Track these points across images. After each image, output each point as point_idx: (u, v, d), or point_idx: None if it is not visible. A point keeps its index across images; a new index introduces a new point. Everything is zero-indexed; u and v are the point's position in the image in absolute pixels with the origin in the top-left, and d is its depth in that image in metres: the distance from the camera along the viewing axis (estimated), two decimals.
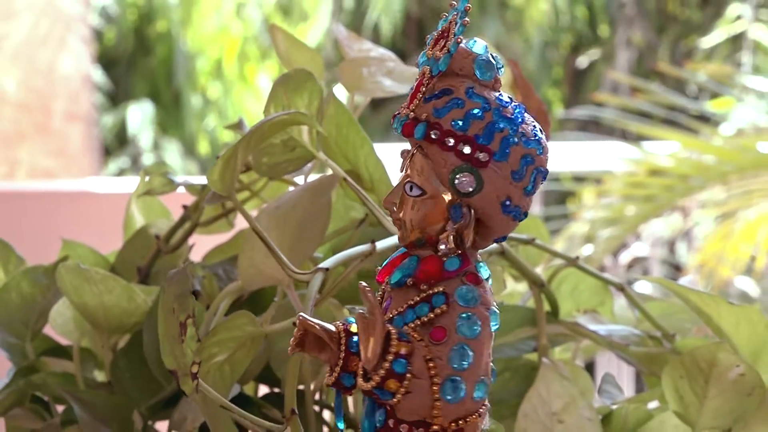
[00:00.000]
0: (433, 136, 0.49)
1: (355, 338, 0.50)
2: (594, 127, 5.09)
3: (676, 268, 3.62)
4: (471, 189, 0.49)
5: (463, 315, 0.49)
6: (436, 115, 0.49)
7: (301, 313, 0.52)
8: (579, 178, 3.68)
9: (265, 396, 0.74)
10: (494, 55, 0.50)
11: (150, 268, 0.78)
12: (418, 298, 0.50)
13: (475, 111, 0.49)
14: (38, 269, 0.77)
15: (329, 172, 0.70)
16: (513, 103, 0.50)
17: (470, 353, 0.49)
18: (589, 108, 4.65)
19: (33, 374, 0.74)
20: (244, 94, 6.44)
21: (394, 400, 0.49)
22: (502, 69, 0.51)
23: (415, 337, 0.49)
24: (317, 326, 0.50)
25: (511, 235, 0.73)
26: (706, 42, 5.78)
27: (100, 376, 0.77)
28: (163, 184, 0.79)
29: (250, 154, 0.68)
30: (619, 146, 3.16)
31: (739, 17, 5.74)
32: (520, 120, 0.50)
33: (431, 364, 0.49)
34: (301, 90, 0.69)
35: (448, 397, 0.49)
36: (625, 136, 4.64)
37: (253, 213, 0.71)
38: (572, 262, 0.75)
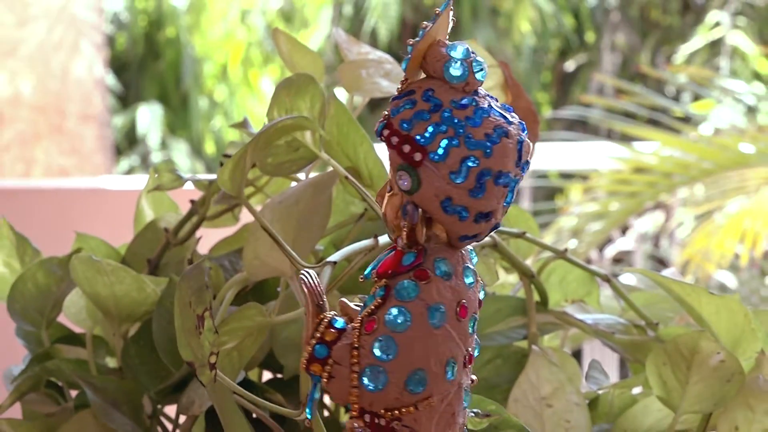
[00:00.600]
0: (384, 135, 0.49)
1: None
2: (581, 127, 5.09)
3: (659, 262, 3.62)
4: (408, 188, 0.48)
5: (394, 308, 0.48)
6: (392, 114, 0.49)
7: (342, 298, 0.52)
8: (567, 176, 3.69)
9: (269, 381, 0.74)
10: (475, 58, 0.49)
11: (159, 260, 0.78)
12: (372, 290, 0.50)
13: (423, 112, 0.48)
14: (53, 261, 0.77)
15: (330, 168, 0.70)
16: (477, 106, 0.48)
17: (395, 346, 0.48)
18: (576, 109, 4.66)
19: (48, 361, 0.74)
20: (248, 97, 6.44)
21: (322, 382, 0.49)
22: (481, 72, 0.49)
23: (356, 326, 0.49)
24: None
25: (503, 229, 0.74)
26: (687, 47, 5.79)
27: (111, 362, 0.77)
28: (172, 180, 0.79)
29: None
30: (604, 145, 3.17)
31: (717, 24, 5.75)
32: (474, 122, 0.48)
33: (354, 352, 0.48)
34: (303, 93, 0.69)
35: (368, 386, 0.48)
36: (610, 135, 4.65)
37: (257, 207, 0.71)
38: (560, 254, 0.74)
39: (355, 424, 0.50)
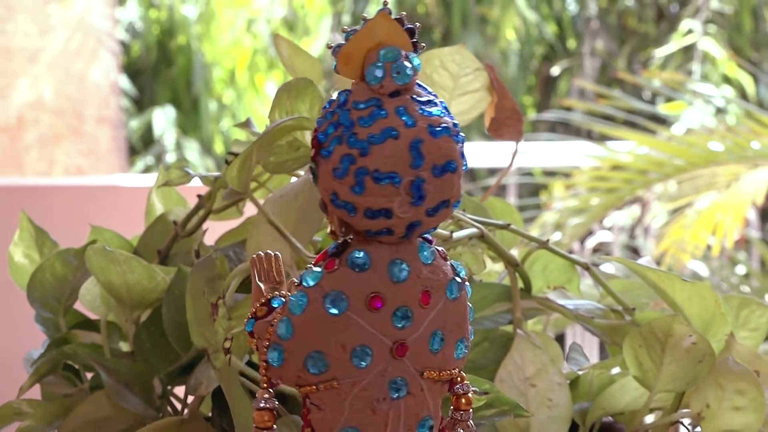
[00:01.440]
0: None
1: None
2: (563, 128, 5.09)
3: (635, 252, 3.62)
4: (313, 182, 0.48)
5: (295, 293, 0.48)
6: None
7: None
8: (550, 173, 3.69)
9: None
10: (400, 62, 0.47)
11: (168, 251, 0.77)
12: None
13: (329, 112, 0.48)
14: (69, 252, 0.76)
15: None
16: (379, 108, 0.47)
17: (291, 327, 0.48)
18: (558, 111, 4.66)
19: (65, 345, 0.74)
20: (255, 100, 6.44)
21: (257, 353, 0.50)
22: (400, 76, 0.47)
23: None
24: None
25: (489, 220, 0.74)
26: (661, 53, 5.79)
27: (124, 346, 0.77)
28: (180, 176, 0.78)
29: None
30: (584, 145, 3.17)
31: (690, 31, 5.74)
32: (365, 123, 0.47)
33: (270, 329, 0.48)
34: (302, 96, 0.69)
35: (272, 361, 0.48)
36: (590, 135, 4.65)
37: (260, 201, 0.71)
38: (543, 244, 0.74)
39: (265, 395, 0.50)
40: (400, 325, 0.48)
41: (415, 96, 0.48)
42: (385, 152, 0.46)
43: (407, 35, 0.48)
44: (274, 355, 0.48)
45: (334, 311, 0.47)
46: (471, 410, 0.51)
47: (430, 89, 0.49)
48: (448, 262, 0.50)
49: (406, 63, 0.47)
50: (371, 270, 0.48)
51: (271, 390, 0.50)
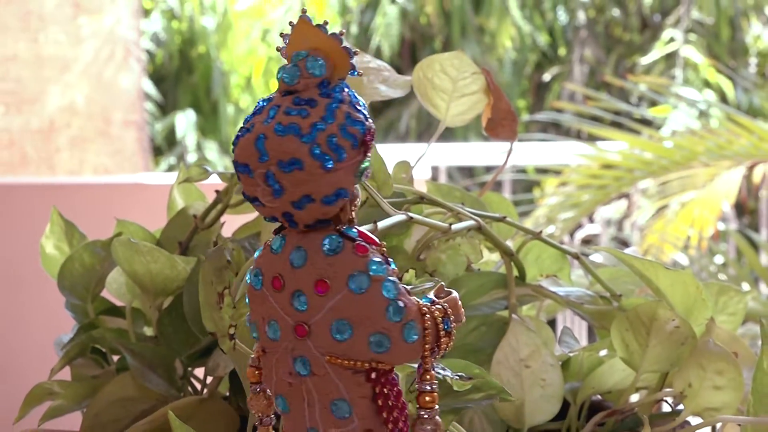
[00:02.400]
0: None
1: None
2: (554, 129, 5.09)
3: (622, 243, 3.62)
4: None
5: None
6: None
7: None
8: (542, 171, 3.68)
9: None
10: (292, 65, 0.47)
11: (189, 242, 0.77)
12: None
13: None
14: (97, 243, 0.76)
15: None
16: (270, 106, 0.47)
17: (246, 298, 0.50)
18: (550, 113, 4.65)
19: (93, 330, 0.74)
20: None
21: None
22: (287, 76, 0.47)
23: None
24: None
25: (486, 213, 0.73)
26: (645, 59, 5.78)
27: (148, 331, 0.77)
28: (199, 173, 0.78)
29: None
30: (574, 145, 3.16)
31: (672, 39, 5.74)
32: (248, 118, 0.48)
33: None
34: None
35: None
36: (579, 136, 4.64)
37: None
38: (536, 235, 0.74)
39: (252, 356, 0.50)
40: (298, 308, 0.47)
41: (299, 97, 0.47)
42: (240, 145, 0.47)
43: (335, 40, 0.47)
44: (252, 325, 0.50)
45: (256, 285, 0.48)
46: (436, 407, 0.50)
47: (343, 96, 0.47)
48: (365, 256, 0.47)
49: (299, 66, 0.47)
50: (281, 254, 0.48)
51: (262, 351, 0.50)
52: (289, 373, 0.48)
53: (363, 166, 0.47)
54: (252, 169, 0.46)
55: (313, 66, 0.47)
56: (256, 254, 0.49)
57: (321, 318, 0.47)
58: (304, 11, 0.48)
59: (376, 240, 0.49)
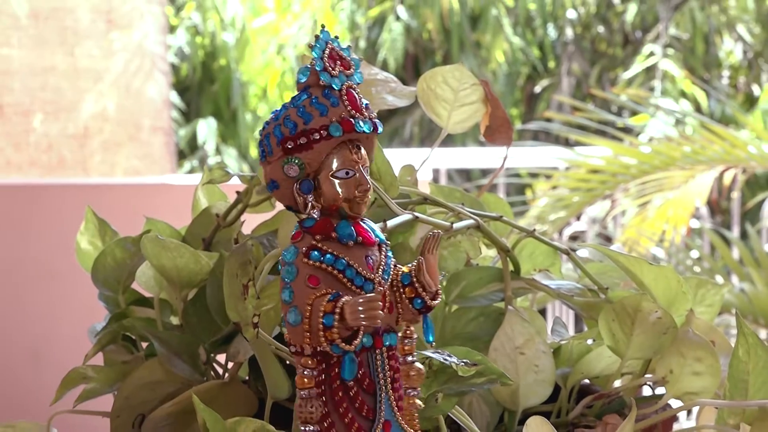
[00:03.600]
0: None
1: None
2: (544, 136, 5.08)
3: (606, 239, 3.61)
4: None
5: None
6: None
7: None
8: (533, 174, 3.68)
9: None
10: (303, 66, 0.51)
11: (212, 239, 0.77)
12: None
13: None
14: (127, 239, 0.76)
15: None
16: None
17: None
18: (540, 122, 4.65)
19: (124, 319, 0.74)
20: None
21: None
22: (301, 76, 0.51)
23: None
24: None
25: (485, 213, 0.73)
26: (627, 72, 5.77)
27: (174, 320, 0.77)
28: (222, 175, 0.78)
29: None
30: (562, 151, 3.16)
31: (651, 54, 5.73)
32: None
33: None
34: None
35: None
36: (567, 142, 4.63)
37: None
38: (530, 233, 0.74)
39: None
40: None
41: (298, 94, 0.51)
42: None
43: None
44: None
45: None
46: (418, 388, 0.51)
47: (298, 103, 0.51)
48: (294, 242, 0.50)
49: (307, 65, 0.51)
50: None
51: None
52: None
53: (284, 164, 0.50)
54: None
55: (302, 71, 0.51)
56: None
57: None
58: (323, 26, 0.51)
59: (334, 234, 0.50)
